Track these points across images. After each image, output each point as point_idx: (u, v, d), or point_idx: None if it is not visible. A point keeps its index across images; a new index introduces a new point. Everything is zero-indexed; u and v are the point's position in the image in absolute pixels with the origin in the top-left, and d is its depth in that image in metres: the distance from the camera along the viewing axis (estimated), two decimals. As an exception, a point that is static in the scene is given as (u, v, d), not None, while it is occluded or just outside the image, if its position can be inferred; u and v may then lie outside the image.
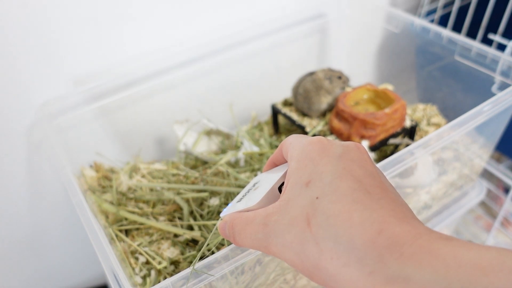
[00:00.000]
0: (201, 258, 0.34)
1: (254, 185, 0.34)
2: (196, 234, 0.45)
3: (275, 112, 0.61)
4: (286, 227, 0.26)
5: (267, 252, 0.28)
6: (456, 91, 0.65)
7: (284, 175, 0.32)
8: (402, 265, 0.21)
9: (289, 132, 0.62)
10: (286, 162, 0.33)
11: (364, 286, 0.22)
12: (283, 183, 0.32)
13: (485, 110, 0.46)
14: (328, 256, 0.24)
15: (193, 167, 0.57)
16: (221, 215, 0.33)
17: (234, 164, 0.55)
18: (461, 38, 0.58)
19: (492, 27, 0.65)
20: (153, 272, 0.44)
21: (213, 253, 0.39)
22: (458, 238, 0.22)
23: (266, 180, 0.33)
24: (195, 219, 0.47)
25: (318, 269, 0.24)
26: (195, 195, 0.48)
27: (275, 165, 0.35)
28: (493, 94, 0.53)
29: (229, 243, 0.35)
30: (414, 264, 0.21)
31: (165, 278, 0.44)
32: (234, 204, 0.34)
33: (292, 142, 0.31)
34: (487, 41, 0.65)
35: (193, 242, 0.47)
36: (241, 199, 0.34)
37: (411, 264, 0.21)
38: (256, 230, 0.28)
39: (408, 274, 0.21)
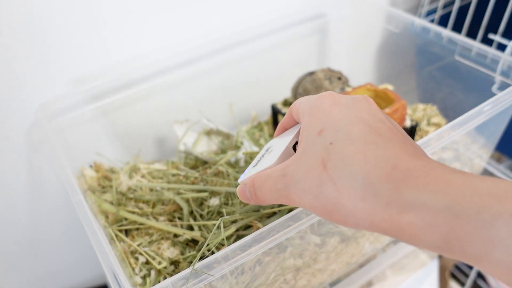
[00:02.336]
0: (201, 258, 0.34)
1: (267, 150, 0.35)
2: (196, 234, 0.45)
3: (275, 112, 0.61)
4: (303, 174, 0.27)
5: (287, 202, 0.29)
6: (456, 91, 0.65)
7: (297, 134, 0.32)
8: (418, 194, 0.22)
9: (289, 132, 0.62)
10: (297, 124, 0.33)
11: (381, 217, 0.23)
12: (297, 142, 0.32)
13: (485, 110, 0.46)
14: (345, 193, 0.24)
15: (193, 167, 0.57)
16: (239, 180, 0.34)
17: (234, 164, 0.55)
18: (461, 38, 0.58)
19: (492, 27, 0.65)
20: (153, 272, 0.44)
21: (213, 253, 0.39)
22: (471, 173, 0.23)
23: (280, 142, 0.34)
24: (195, 219, 0.47)
25: (336, 208, 0.25)
26: (195, 195, 0.48)
27: (285, 129, 0.36)
28: (493, 94, 0.53)
29: (229, 243, 0.35)
30: (430, 192, 0.22)
31: (165, 278, 0.44)
32: (251, 169, 0.34)
33: (302, 102, 0.31)
34: (487, 41, 0.65)
35: (193, 242, 0.47)
36: (256, 163, 0.34)
37: (427, 193, 0.22)
38: (276, 182, 0.29)
39: (424, 201, 0.21)
